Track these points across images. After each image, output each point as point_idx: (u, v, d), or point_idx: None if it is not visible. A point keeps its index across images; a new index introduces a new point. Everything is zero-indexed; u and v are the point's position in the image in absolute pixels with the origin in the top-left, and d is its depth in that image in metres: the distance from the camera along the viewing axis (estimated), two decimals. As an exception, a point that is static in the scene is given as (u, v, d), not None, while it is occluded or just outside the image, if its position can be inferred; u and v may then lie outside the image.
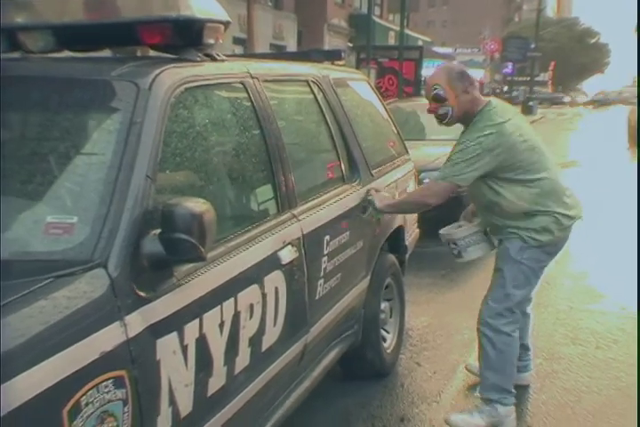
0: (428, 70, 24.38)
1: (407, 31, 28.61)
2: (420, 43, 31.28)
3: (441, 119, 3.21)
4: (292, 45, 23.63)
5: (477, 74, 50.76)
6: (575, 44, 56.20)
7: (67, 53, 2.64)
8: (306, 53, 3.96)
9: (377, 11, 30.58)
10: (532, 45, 35.90)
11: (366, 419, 3.42)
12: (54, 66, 2.33)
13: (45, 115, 2.07)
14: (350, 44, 24.54)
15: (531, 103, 33.60)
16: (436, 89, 3.14)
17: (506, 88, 42.13)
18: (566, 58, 52.59)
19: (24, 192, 1.90)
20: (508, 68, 42.38)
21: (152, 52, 2.75)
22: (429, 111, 3.23)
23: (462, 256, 3.38)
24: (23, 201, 1.89)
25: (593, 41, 61.08)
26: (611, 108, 45.64)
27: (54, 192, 1.90)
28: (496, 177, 3.09)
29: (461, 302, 5.16)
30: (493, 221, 3.24)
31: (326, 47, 22.89)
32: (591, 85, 79.69)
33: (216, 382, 2.07)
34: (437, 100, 3.15)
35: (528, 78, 40.15)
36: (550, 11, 64.23)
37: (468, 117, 3.15)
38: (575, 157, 16.09)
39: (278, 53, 9.16)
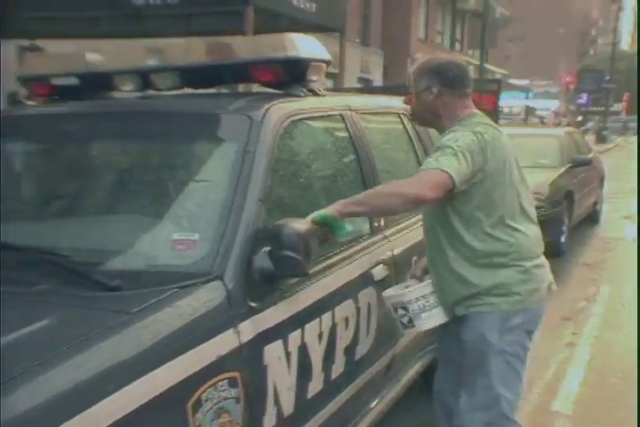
0: (505, 101, 24.10)
1: (486, 65, 28.42)
2: (498, 76, 30.92)
3: (410, 114, 2.62)
4: (377, 79, 23.76)
5: (552, 104, 49.68)
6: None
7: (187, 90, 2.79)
8: (395, 87, 4.01)
9: (457, 46, 30.49)
10: (607, 77, 34.91)
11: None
12: (179, 102, 2.47)
13: (171, 145, 2.19)
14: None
15: (604, 132, 32.59)
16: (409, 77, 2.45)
17: (580, 118, 40.99)
18: (640, 89, 50.74)
19: (153, 213, 2.02)
20: (583, 98, 41.28)
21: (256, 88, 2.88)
22: (404, 102, 2.55)
23: (414, 325, 2.36)
24: (152, 220, 2.01)
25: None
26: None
27: (178, 213, 2.01)
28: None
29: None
30: (453, 278, 2.30)
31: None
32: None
33: (314, 387, 2.12)
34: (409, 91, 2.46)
35: (602, 108, 38.97)
36: (624, 44, 62.29)
37: (437, 123, 2.44)
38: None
39: (372, 87, 9.35)
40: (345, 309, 2.30)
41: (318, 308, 2.14)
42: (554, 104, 49.60)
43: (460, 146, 2.18)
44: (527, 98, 37.54)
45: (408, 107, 3.42)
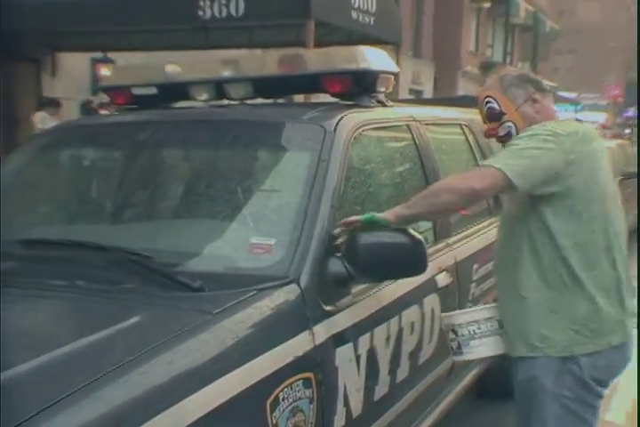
0: (562, 114, 23.52)
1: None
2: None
3: (505, 143, 2.11)
4: (428, 90, 23.61)
5: (600, 117, 48.49)
6: None
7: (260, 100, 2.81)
8: (457, 99, 3.98)
9: (507, 59, 30.09)
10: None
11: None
12: (255, 111, 2.49)
13: (248, 152, 2.21)
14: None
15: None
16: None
17: (628, 131, 39.96)
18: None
19: (231, 218, 2.04)
20: (629, 112, 40.14)
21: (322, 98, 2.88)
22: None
23: (462, 352, 2.09)
24: (231, 225, 2.02)
25: None
26: None
27: (256, 218, 2.02)
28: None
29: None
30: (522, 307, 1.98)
31: (460, 92, 22.71)
32: None
33: (381, 390, 2.10)
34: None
35: (649, 121, 37.85)
36: (675, 57, 60.54)
37: None
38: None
39: (435, 99, 9.45)
40: (410, 314, 2.28)
41: (386, 312, 2.12)
42: (601, 117, 48.41)
43: (527, 144, 1.90)
44: (576, 111, 36.69)
45: (469, 118, 3.44)
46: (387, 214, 1.96)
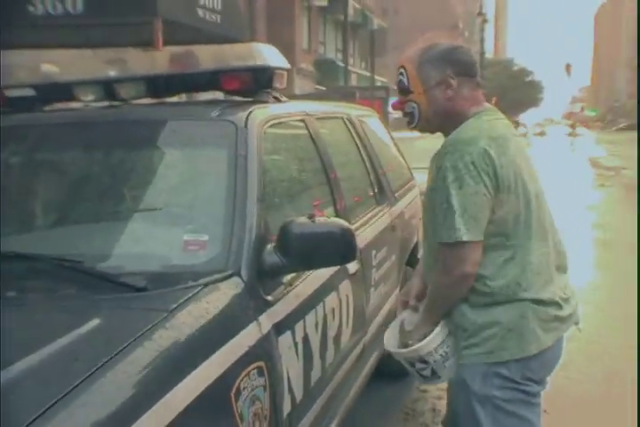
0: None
1: (364, 72, 29.29)
2: (379, 84, 31.90)
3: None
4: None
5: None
6: (512, 81, 57.70)
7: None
8: (327, 93, 4.16)
9: (339, 56, 31.20)
10: (478, 84, 36.76)
11: (402, 409, 3.57)
12: (162, 110, 2.49)
13: (165, 151, 2.23)
14: (321, 87, 24.92)
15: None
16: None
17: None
18: (505, 94, 53.90)
19: (160, 218, 2.05)
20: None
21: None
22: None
23: (439, 377, 1.99)
24: (161, 225, 2.03)
25: (528, 79, 62.74)
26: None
27: (184, 216, 2.05)
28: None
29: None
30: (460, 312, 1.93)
31: (296, 89, 23.20)
32: (528, 117, 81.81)
33: (316, 374, 2.22)
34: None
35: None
36: (488, 53, 65.94)
37: (447, 126, 1.93)
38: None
39: (313, 94, 9.68)
40: (331, 300, 2.41)
41: (313, 300, 2.24)
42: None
43: (460, 196, 1.77)
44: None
45: (348, 112, 3.64)
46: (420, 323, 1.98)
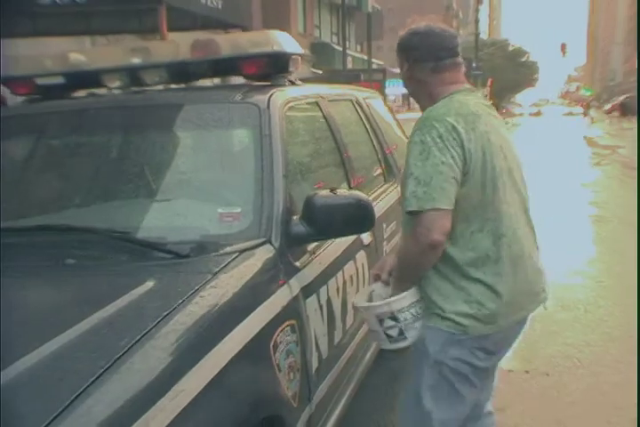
0: (390, 89, 25.01)
1: (361, 55, 29.28)
2: (375, 66, 31.92)
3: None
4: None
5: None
6: (508, 62, 57.59)
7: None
8: (334, 75, 4.33)
9: (334, 39, 31.19)
10: (474, 65, 36.89)
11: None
12: (191, 94, 2.67)
13: (196, 132, 2.41)
14: (317, 71, 24.99)
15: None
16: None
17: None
18: (501, 75, 53.84)
19: (196, 193, 2.24)
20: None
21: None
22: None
23: (406, 337, 2.02)
24: (197, 200, 2.23)
25: (523, 59, 62.63)
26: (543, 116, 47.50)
27: (218, 191, 2.24)
28: None
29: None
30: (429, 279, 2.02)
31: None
32: (524, 97, 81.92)
33: (337, 335, 2.43)
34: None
35: (470, 94, 41.09)
36: (483, 34, 65.78)
37: (424, 104, 2.09)
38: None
39: (322, 75, 9.67)
40: (349, 268, 2.61)
41: (334, 267, 2.44)
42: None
43: (431, 163, 1.86)
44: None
45: (356, 94, 3.81)
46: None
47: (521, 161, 2.14)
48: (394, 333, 2.02)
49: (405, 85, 2.19)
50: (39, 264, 1.87)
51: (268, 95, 2.51)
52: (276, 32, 2.86)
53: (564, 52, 49.80)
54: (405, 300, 1.99)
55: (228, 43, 2.88)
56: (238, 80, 3.01)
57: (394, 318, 2.00)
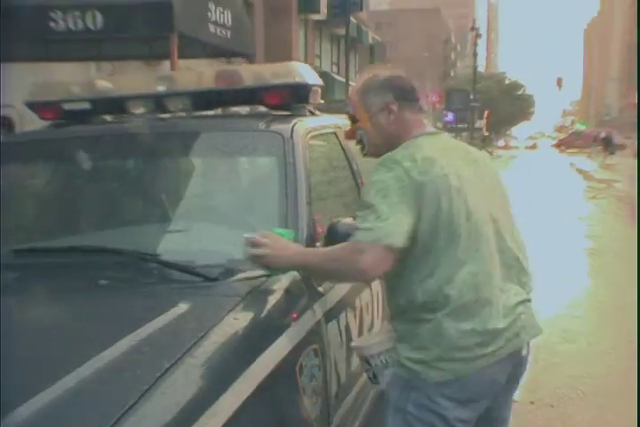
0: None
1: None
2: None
3: (361, 149, 2.11)
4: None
5: (421, 123, 52.04)
6: (505, 95, 58.43)
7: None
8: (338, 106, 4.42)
9: (334, 68, 31.63)
10: (472, 97, 37.47)
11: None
12: (217, 122, 2.75)
13: (222, 159, 2.49)
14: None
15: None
16: (347, 105, 2.10)
17: (449, 134, 43.62)
18: (498, 107, 54.60)
19: (223, 218, 2.30)
20: (449, 116, 43.85)
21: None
22: (345, 137, 2.23)
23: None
24: (224, 225, 2.29)
25: (520, 93, 63.51)
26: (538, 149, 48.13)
27: (244, 217, 2.30)
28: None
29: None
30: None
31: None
32: (520, 131, 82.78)
33: (354, 360, 2.46)
34: (352, 120, 2.09)
35: (467, 125, 41.67)
36: (481, 67, 66.81)
37: (394, 148, 1.96)
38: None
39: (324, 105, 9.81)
40: (366, 295, 2.67)
41: (352, 294, 2.50)
42: (422, 122, 52.00)
43: (388, 202, 1.81)
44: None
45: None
46: (294, 251, 1.96)
47: (504, 195, 2.06)
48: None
49: (366, 128, 2.02)
50: (74, 285, 1.92)
51: (291, 125, 2.59)
52: (298, 64, 2.96)
53: (560, 86, 50.56)
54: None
55: (250, 73, 2.98)
56: (250, 109, 3.10)
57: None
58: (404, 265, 1.85)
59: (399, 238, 1.79)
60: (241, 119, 2.84)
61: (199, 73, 3.01)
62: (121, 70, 14.34)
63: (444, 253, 1.85)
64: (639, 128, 16.34)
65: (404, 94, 2.00)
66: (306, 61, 28.66)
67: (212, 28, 7.84)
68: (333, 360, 2.21)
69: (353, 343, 2.20)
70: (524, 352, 1.97)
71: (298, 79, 2.83)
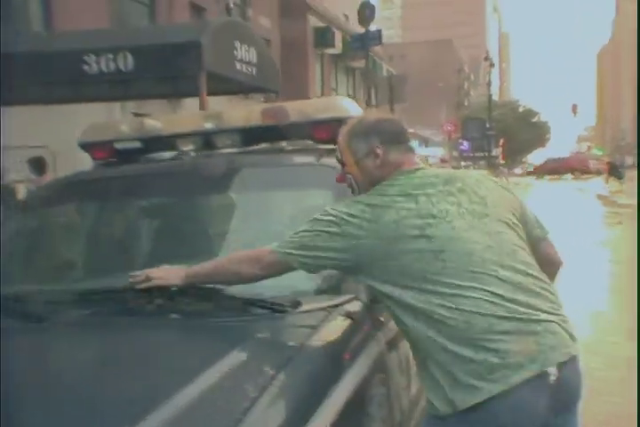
0: (420, 150, 25.36)
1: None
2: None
3: (352, 193, 2.09)
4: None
5: (437, 152, 52.54)
6: (520, 122, 58.75)
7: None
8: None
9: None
10: (487, 125, 37.66)
11: None
12: (267, 158, 2.83)
13: (279, 193, 2.56)
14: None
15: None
16: (335, 151, 2.13)
17: (464, 163, 43.75)
18: (513, 135, 54.81)
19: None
20: (464, 145, 44.06)
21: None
22: (337, 180, 2.16)
23: None
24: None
25: (534, 120, 63.79)
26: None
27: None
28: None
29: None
30: None
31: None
32: (535, 158, 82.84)
33: (412, 390, 2.48)
34: (341, 164, 2.10)
35: (482, 154, 41.83)
36: (494, 95, 67.32)
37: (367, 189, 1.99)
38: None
39: None
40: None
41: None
42: (438, 151, 52.48)
43: (311, 225, 1.93)
44: (425, 147, 39.43)
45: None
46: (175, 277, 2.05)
47: (504, 216, 1.93)
48: None
49: (352, 173, 2.04)
50: (148, 320, 1.97)
51: (341, 159, 2.66)
52: (341, 98, 3.04)
53: (575, 113, 50.69)
54: None
55: (295, 109, 3.06)
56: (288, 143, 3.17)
57: None
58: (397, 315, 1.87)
59: (292, 254, 1.90)
60: (292, 154, 2.92)
61: (246, 110, 3.10)
62: (144, 108, 14.68)
63: (437, 283, 1.79)
64: (639, 137, 16.46)
65: (391, 137, 1.99)
66: (322, 94, 29.07)
67: (238, 65, 8.03)
68: (396, 389, 2.23)
69: None
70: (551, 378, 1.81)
71: (344, 113, 2.90)
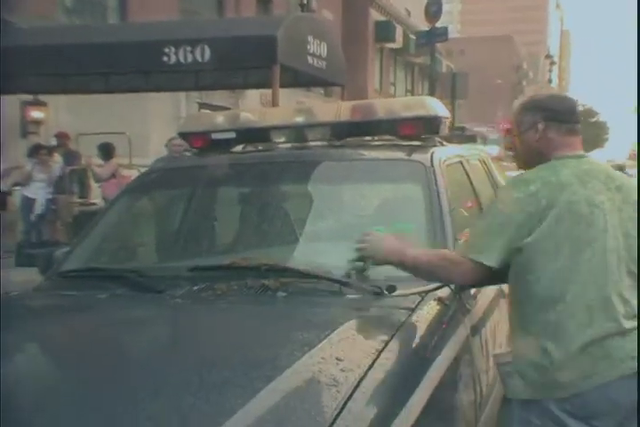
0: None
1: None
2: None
3: (513, 157, 2.31)
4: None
5: (493, 150, 51.72)
6: (578, 122, 57.50)
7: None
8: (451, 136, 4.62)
9: (409, 96, 31.93)
10: (545, 124, 36.98)
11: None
12: (359, 152, 3.00)
13: (374, 185, 2.73)
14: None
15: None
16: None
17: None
18: (572, 134, 53.68)
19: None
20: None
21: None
22: (505, 148, 2.56)
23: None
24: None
25: (593, 120, 62.35)
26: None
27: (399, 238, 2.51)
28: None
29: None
30: None
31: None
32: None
33: (490, 374, 2.62)
34: (510, 134, 2.27)
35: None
36: (553, 93, 65.97)
37: (533, 164, 2.13)
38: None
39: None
40: (496, 315, 2.82)
41: (487, 312, 2.66)
42: (495, 150, 51.71)
43: (502, 216, 2.01)
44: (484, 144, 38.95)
45: (477, 153, 4.08)
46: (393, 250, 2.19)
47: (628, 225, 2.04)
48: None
49: (515, 143, 2.19)
50: (259, 297, 2.17)
51: (429, 154, 2.81)
52: (428, 97, 3.19)
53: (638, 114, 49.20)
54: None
55: (383, 106, 3.22)
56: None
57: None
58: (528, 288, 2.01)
59: (488, 257, 2.00)
60: (382, 149, 3.08)
61: (336, 105, 3.26)
62: (208, 98, 15.00)
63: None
64: (639, 132, 16.07)
65: (555, 115, 2.11)
66: (381, 89, 29.07)
67: (310, 59, 8.22)
68: (477, 372, 2.37)
69: (495, 351, 2.41)
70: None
71: (431, 112, 3.04)
